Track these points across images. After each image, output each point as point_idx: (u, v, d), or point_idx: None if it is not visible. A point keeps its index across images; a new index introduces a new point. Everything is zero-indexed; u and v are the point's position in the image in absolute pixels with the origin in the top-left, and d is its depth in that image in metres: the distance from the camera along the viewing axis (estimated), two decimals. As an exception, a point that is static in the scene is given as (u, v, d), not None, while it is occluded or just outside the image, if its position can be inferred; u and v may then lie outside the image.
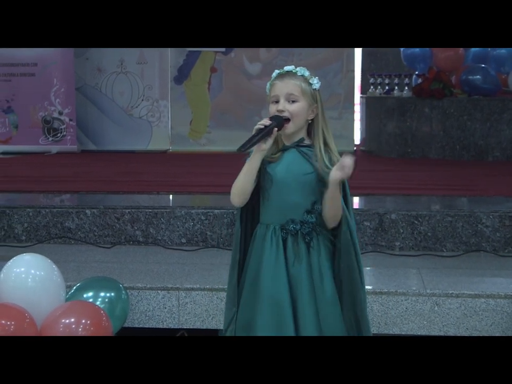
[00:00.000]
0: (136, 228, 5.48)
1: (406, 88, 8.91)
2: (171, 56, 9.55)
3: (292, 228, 3.08)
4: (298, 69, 3.12)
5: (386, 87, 9.35)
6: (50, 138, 9.34)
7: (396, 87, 9.22)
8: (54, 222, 5.55)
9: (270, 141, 3.01)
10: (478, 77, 8.57)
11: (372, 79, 9.51)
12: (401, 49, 9.26)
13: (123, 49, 9.41)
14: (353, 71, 9.58)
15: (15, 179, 7.12)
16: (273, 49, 9.37)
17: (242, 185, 3.08)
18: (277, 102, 3.07)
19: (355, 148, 9.43)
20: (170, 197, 6.25)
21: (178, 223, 5.45)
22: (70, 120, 9.31)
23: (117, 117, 9.65)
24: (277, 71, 3.13)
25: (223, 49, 9.44)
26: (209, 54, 9.47)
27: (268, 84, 3.14)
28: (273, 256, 3.08)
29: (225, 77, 9.54)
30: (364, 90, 10.43)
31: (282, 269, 3.06)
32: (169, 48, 9.49)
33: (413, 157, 8.45)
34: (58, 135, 9.33)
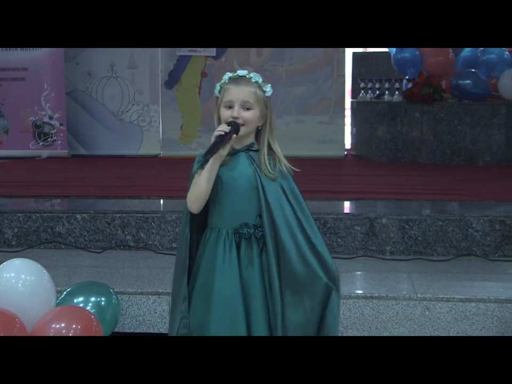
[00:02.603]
0: (126, 233, 5.48)
1: (397, 92, 8.94)
2: (162, 61, 9.54)
3: (246, 232, 3.07)
4: (252, 74, 3.11)
5: (377, 92, 9.37)
6: (41, 143, 9.33)
7: (387, 92, 9.24)
8: (45, 227, 5.54)
9: (227, 147, 3.02)
10: (468, 81, 8.61)
11: (363, 83, 9.53)
12: (392, 54, 9.28)
13: (113, 54, 9.42)
14: (343, 75, 9.59)
15: (5, 184, 7.10)
16: (264, 54, 9.37)
17: (203, 192, 3.07)
18: (231, 107, 3.07)
19: (346, 153, 9.44)
20: (161, 201, 6.25)
21: (169, 227, 5.44)
22: (61, 124, 9.30)
23: (107, 122, 9.65)
24: (229, 74, 3.13)
25: (213, 54, 9.45)
26: (199, 58, 9.47)
27: (218, 86, 3.14)
28: (227, 260, 3.07)
29: (216, 82, 9.45)
30: (354, 95, 10.46)
31: (235, 272, 3.06)
32: (159, 53, 9.50)
33: (403, 161, 8.47)
34: (49, 139, 9.31)
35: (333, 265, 3.07)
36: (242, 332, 3.03)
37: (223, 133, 2.99)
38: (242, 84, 3.08)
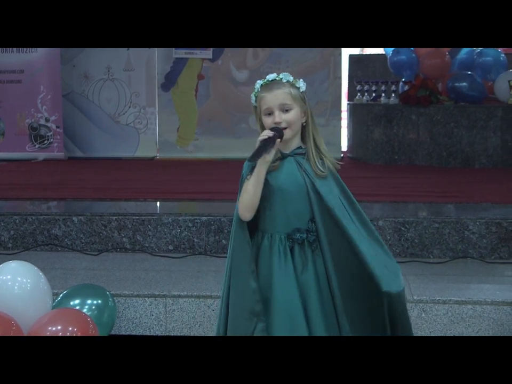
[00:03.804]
0: (123, 235, 5.47)
1: (393, 95, 8.94)
2: (158, 63, 9.54)
3: (299, 237, 3.07)
4: (282, 75, 3.10)
5: (373, 94, 9.37)
6: (37, 145, 9.32)
7: (383, 94, 9.24)
8: (41, 229, 5.53)
9: (273, 152, 3.01)
10: (464, 84, 8.61)
11: (359, 86, 9.53)
12: (388, 56, 9.29)
13: (110, 56, 9.41)
14: (340, 78, 9.60)
15: (2, 186, 7.09)
16: (260, 56, 9.38)
17: (253, 199, 3.05)
18: (271, 114, 3.06)
19: (342, 155, 9.44)
20: (158, 204, 6.25)
21: (166, 230, 5.44)
22: (57, 127, 9.29)
23: (104, 124, 9.64)
24: (260, 82, 3.11)
25: (210, 56, 9.45)
26: (196, 61, 9.47)
27: (253, 96, 3.12)
28: (282, 266, 3.06)
29: (213, 84, 9.54)
30: (350, 97, 10.46)
31: (292, 277, 3.05)
32: (156, 55, 9.49)
33: (399, 164, 8.47)
34: (45, 142, 9.31)
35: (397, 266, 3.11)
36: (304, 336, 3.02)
37: (266, 137, 2.98)
38: (275, 88, 3.07)
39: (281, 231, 3.08)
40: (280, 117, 3.04)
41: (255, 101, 3.12)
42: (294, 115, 3.06)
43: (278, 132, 3.02)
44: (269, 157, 3.00)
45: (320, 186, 3.06)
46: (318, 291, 3.07)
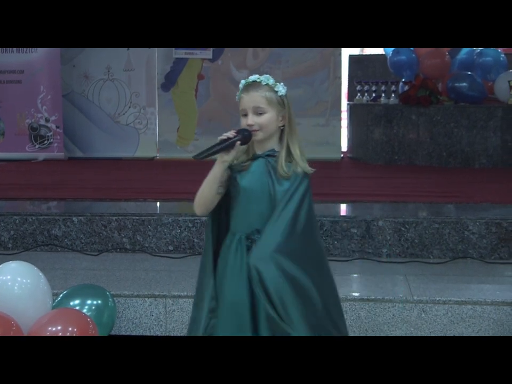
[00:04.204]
0: (123, 235, 5.47)
1: (393, 95, 8.94)
2: (158, 63, 9.54)
3: (257, 238, 3.06)
4: (262, 77, 3.10)
5: (373, 94, 9.37)
6: (37, 146, 9.32)
7: (383, 94, 9.24)
8: (41, 230, 5.53)
9: (232, 153, 3.03)
10: (464, 84, 8.61)
11: (359, 86, 9.54)
12: (388, 56, 9.29)
13: (110, 56, 9.41)
14: (340, 78, 9.59)
15: (2, 186, 7.09)
16: (260, 56, 9.38)
17: (204, 195, 3.09)
18: (246, 115, 3.08)
19: (342, 155, 9.45)
20: (158, 204, 6.25)
21: (166, 230, 5.44)
22: (57, 127, 9.29)
23: (104, 124, 9.63)
24: (243, 82, 3.13)
25: (210, 57, 9.44)
26: (196, 61, 9.47)
27: (238, 95, 3.13)
28: (237, 265, 3.07)
29: (213, 84, 9.54)
30: (350, 97, 10.46)
31: (244, 278, 3.05)
32: (156, 55, 9.49)
33: (399, 164, 8.47)
34: (45, 142, 9.31)
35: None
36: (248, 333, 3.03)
37: (225, 137, 2.99)
38: (251, 90, 3.08)
39: (241, 231, 3.09)
40: (252, 120, 3.05)
41: (238, 101, 3.13)
42: (266, 118, 3.06)
43: (244, 134, 3.02)
44: (227, 157, 3.02)
45: (277, 186, 3.06)
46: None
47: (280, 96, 3.10)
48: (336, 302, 3.15)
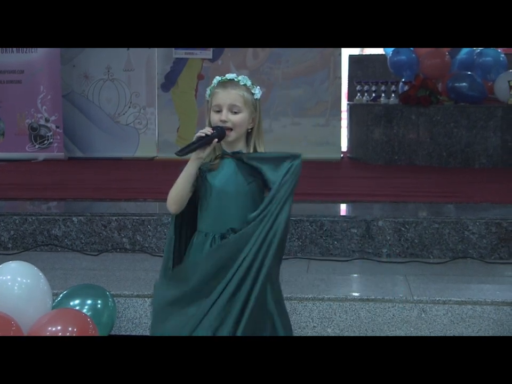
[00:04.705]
0: (123, 235, 5.47)
1: (393, 95, 8.94)
2: (158, 63, 9.54)
3: None
4: (240, 77, 3.12)
5: (373, 94, 9.38)
6: (37, 146, 9.32)
7: (383, 94, 9.24)
8: (41, 230, 5.53)
9: (208, 150, 3.04)
10: (464, 84, 8.62)
11: (359, 86, 9.54)
12: (388, 56, 9.29)
13: (110, 56, 9.42)
14: (340, 78, 9.60)
15: (1, 186, 7.09)
16: (260, 56, 9.37)
17: (179, 193, 3.09)
18: (219, 111, 3.08)
19: (342, 155, 9.45)
20: (157, 204, 6.24)
21: (165, 230, 5.43)
22: (57, 127, 9.29)
23: (104, 124, 9.64)
24: (218, 78, 3.14)
25: (210, 57, 9.45)
26: (196, 61, 9.47)
27: (208, 90, 3.14)
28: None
29: (212, 84, 9.52)
30: (350, 97, 10.46)
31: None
32: (156, 55, 9.49)
33: (399, 164, 8.48)
34: (45, 142, 9.31)
35: None
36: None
37: (203, 134, 3.00)
38: (230, 87, 3.09)
39: (215, 231, 3.08)
40: (226, 116, 3.06)
41: (209, 95, 3.13)
42: (240, 118, 3.07)
43: (219, 131, 3.03)
44: (202, 154, 3.03)
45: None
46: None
47: (255, 99, 3.11)
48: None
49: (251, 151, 3.12)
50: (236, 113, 3.07)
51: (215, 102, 3.09)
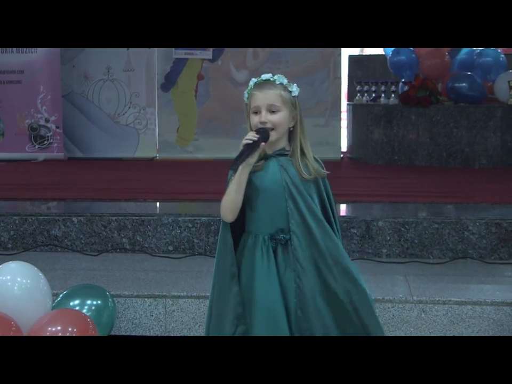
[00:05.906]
0: (123, 236, 5.47)
1: (393, 95, 8.94)
2: (158, 64, 9.54)
3: (282, 238, 3.06)
4: (276, 77, 3.10)
5: (373, 95, 9.38)
6: (37, 146, 9.32)
7: (383, 95, 9.24)
8: (41, 230, 5.53)
9: (256, 155, 3.01)
10: (464, 84, 8.61)
11: (359, 86, 9.54)
12: (388, 56, 9.29)
13: (110, 57, 9.42)
14: (340, 78, 9.60)
15: (1, 186, 7.09)
16: (260, 56, 9.38)
17: (234, 201, 3.04)
18: (258, 112, 3.06)
19: (342, 155, 9.45)
20: (157, 204, 6.25)
21: (165, 230, 5.44)
22: (57, 127, 9.29)
23: (103, 125, 9.64)
24: (254, 80, 3.11)
25: (210, 57, 9.45)
26: (196, 61, 9.47)
27: (246, 93, 3.12)
28: (265, 267, 3.05)
29: (212, 85, 9.53)
30: (350, 97, 10.46)
31: (275, 279, 3.04)
32: (156, 56, 9.49)
33: (399, 164, 8.48)
34: (45, 142, 9.31)
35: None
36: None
37: (250, 141, 2.98)
38: (266, 88, 3.06)
39: (264, 232, 3.07)
40: (266, 117, 3.04)
41: (247, 99, 3.12)
42: (280, 117, 3.05)
43: (263, 134, 3.01)
44: (252, 160, 3.00)
45: (300, 189, 3.06)
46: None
47: (293, 96, 3.09)
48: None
49: (298, 149, 3.08)
50: (274, 112, 3.05)
51: (253, 104, 3.07)
